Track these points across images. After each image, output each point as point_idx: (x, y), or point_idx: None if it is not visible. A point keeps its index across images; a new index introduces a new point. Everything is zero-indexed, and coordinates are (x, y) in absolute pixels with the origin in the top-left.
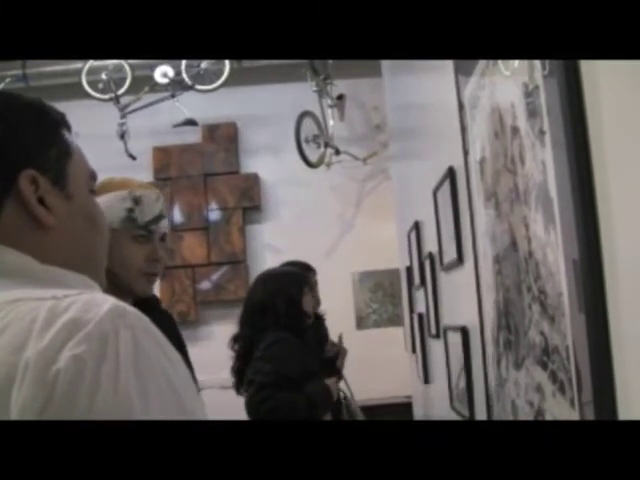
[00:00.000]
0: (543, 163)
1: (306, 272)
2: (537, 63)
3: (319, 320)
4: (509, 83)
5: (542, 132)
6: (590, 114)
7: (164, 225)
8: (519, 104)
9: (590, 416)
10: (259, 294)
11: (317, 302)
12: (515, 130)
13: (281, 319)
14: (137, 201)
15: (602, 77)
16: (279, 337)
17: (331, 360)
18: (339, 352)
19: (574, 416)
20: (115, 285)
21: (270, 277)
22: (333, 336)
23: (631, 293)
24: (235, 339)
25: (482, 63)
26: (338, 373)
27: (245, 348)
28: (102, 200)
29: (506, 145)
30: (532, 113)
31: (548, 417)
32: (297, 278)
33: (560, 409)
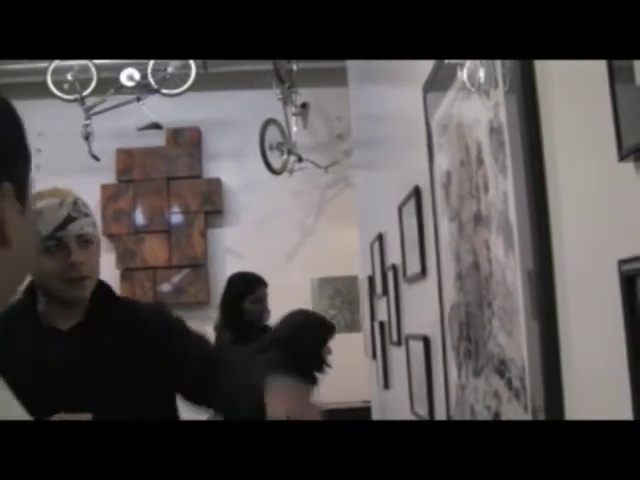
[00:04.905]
0: (504, 194)
1: (256, 284)
2: (501, 99)
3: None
4: (475, 113)
5: (505, 166)
6: (547, 150)
7: (76, 227)
8: (484, 138)
9: (541, 418)
10: None
11: (266, 313)
12: (480, 161)
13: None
14: (37, 214)
15: (558, 114)
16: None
17: None
18: None
19: (527, 419)
20: (48, 294)
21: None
22: None
23: (577, 307)
24: None
25: (451, 93)
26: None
27: None
28: None
29: (471, 173)
30: (496, 148)
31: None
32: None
33: (515, 413)
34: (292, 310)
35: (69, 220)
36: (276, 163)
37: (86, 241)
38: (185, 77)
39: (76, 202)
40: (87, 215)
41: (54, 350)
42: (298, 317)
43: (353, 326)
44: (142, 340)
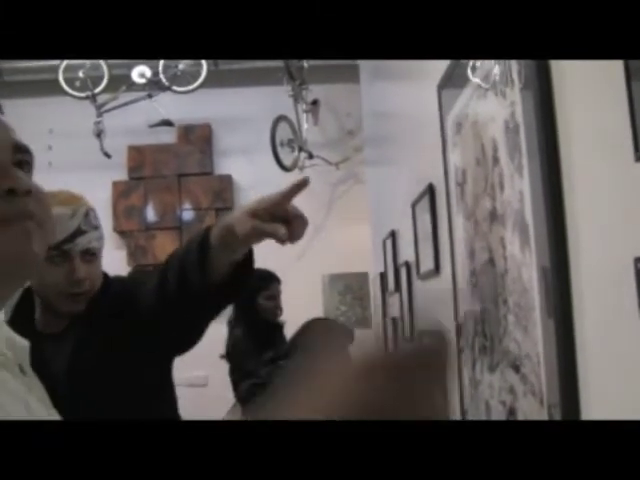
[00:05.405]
0: (521, 192)
1: (270, 281)
2: (517, 98)
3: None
4: (491, 111)
5: (521, 165)
6: (563, 150)
7: (84, 241)
8: (500, 137)
9: (557, 413)
10: None
11: (279, 310)
12: (496, 160)
13: None
14: None
15: (574, 114)
16: None
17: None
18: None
19: (543, 414)
20: (45, 304)
21: None
22: None
23: (593, 304)
24: None
25: (467, 91)
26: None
27: None
28: None
29: (487, 172)
30: (512, 147)
31: (520, 416)
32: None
33: (531, 408)
34: (312, 318)
35: (78, 233)
36: (287, 160)
37: (91, 254)
38: (196, 74)
39: (88, 214)
40: (96, 228)
41: (49, 353)
42: (319, 324)
43: (364, 322)
44: (130, 318)
